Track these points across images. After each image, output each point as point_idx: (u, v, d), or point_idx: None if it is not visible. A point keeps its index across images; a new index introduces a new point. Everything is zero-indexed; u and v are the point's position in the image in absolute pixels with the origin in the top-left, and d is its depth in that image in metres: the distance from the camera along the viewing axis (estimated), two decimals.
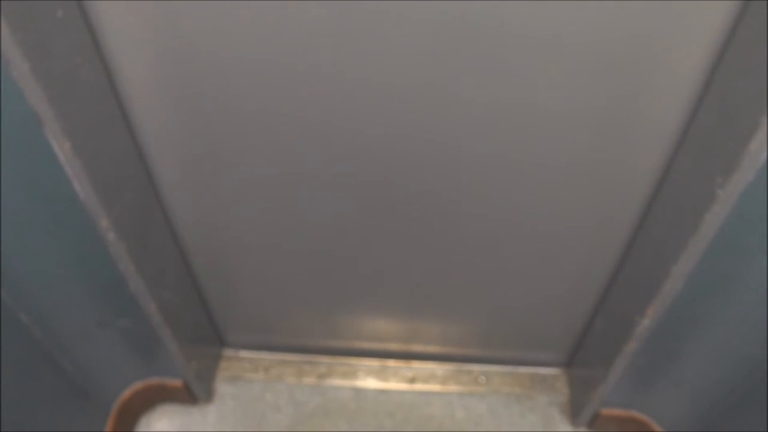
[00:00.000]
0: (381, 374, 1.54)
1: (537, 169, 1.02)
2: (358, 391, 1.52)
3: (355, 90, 0.91)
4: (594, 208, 1.08)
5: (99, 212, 0.91)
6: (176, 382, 1.43)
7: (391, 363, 1.56)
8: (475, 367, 1.56)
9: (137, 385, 1.43)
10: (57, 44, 0.76)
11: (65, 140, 0.79)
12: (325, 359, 1.56)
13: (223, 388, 1.52)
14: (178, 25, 0.84)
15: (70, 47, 0.79)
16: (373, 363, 1.56)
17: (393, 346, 1.54)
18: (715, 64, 0.82)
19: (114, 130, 0.93)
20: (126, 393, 1.43)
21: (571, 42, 0.82)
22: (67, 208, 0.94)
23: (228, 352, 1.58)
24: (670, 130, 0.92)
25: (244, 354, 1.58)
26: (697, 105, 0.87)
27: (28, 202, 0.94)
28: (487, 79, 0.88)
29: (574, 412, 1.47)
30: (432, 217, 1.14)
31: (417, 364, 1.56)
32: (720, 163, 0.80)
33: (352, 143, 1.00)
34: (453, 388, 1.53)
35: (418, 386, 1.53)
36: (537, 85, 0.89)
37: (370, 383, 1.53)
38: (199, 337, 1.42)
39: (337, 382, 1.53)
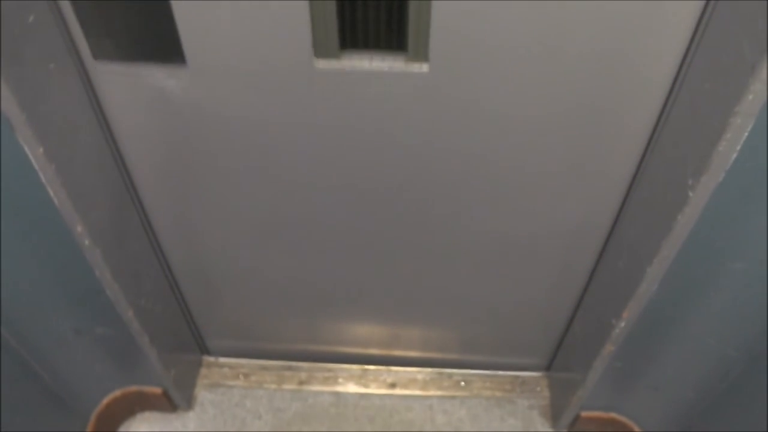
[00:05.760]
0: (361, 379, 1.54)
1: (512, 174, 1.02)
2: (339, 396, 1.52)
3: (337, 95, 0.92)
4: (568, 212, 1.08)
5: (74, 218, 0.91)
6: (155, 390, 1.42)
7: (372, 368, 1.56)
8: (456, 372, 1.56)
9: (116, 393, 1.43)
10: (29, 49, 0.76)
11: (38, 145, 0.79)
12: (305, 365, 1.56)
13: (203, 395, 1.52)
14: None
15: (43, 52, 0.79)
16: (354, 368, 1.56)
17: (373, 352, 1.53)
18: (683, 67, 0.83)
19: (89, 134, 0.92)
20: (105, 401, 1.42)
21: (543, 46, 0.83)
22: (42, 214, 0.94)
23: (208, 359, 1.57)
24: (641, 132, 0.93)
25: (225, 361, 1.57)
26: (667, 108, 0.88)
27: (1, 208, 0.93)
28: (466, 84, 0.89)
29: (554, 415, 1.48)
30: (412, 224, 1.14)
31: (397, 369, 1.56)
32: (691, 165, 0.80)
33: (334, 150, 1.00)
34: (433, 392, 1.53)
35: (399, 391, 1.53)
36: (510, 92, 0.89)
37: (351, 388, 1.53)
38: (179, 344, 1.42)
39: (317, 387, 1.53)
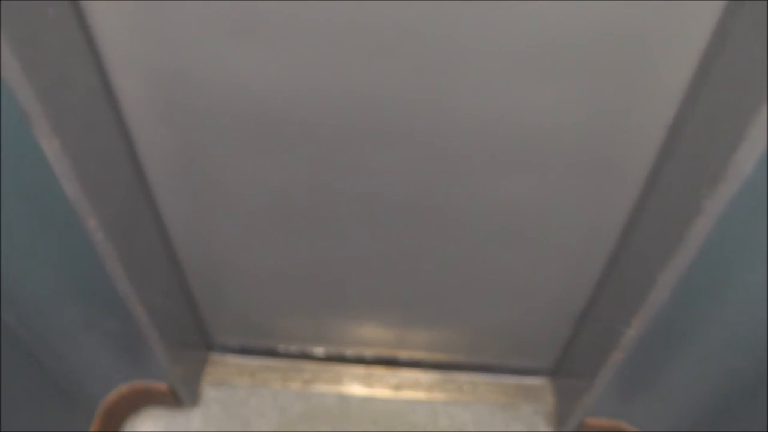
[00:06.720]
0: (366, 381, 1.54)
1: (524, 178, 1.02)
2: (343, 398, 1.52)
3: (344, 96, 0.92)
4: (580, 216, 1.08)
5: (87, 212, 0.91)
6: (162, 386, 1.42)
7: (377, 370, 1.56)
8: (461, 376, 1.56)
9: (122, 388, 1.43)
10: (48, 43, 0.76)
11: (54, 138, 0.79)
12: (310, 365, 1.56)
13: (208, 392, 1.52)
14: (174, 26, 0.84)
15: (62, 46, 0.79)
16: (359, 370, 1.56)
17: (379, 353, 1.54)
18: (701, 75, 0.82)
19: (105, 129, 0.93)
20: (111, 395, 1.42)
21: (554, 48, 0.83)
22: (55, 208, 0.94)
23: (214, 357, 1.57)
24: (656, 140, 0.93)
25: (231, 359, 1.57)
26: (683, 114, 0.88)
27: (15, 200, 0.93)
28: (473, 89, 0.89)
29: (559, 421, 1.47)
30: (420, 227, 1.14)
31: (403, 372, 1.56)
32: (706, 174, 0.80)
33: (344, 151, 1.00)
34: (438, 396, 1.53)
35: (403, 394, 1.52)
36: (524, 96, 0.89)
37: (356, 390, 1.53)
38: (186, 340, 1.42)
39: (322, 388, 1.53)
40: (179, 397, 1.45)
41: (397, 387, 1.53)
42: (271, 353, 1.56)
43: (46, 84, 0.76)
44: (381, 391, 1.53)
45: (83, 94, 0.85)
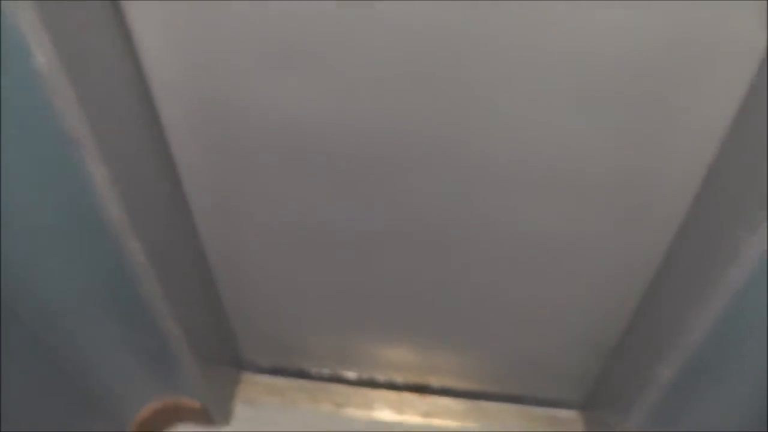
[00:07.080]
0: (397, 406, 1.54)
1: (560, 211, 1.03)
2: (373, 422, 1.52)
3: (385, 129, 0.93)
4: (616, 250, 1.08)
5: (129, 234, 0.93)
6: (194, 403, 1.44)
7: (408, 396, 1.56)
8: (491, 405, 1.55)
9: (154, 405, 1.44)
10: (99, 71, 0.79)
11: (102, 165, 0.81)
12: (341, 388, 1.56)
13: (239, 411, 1.53)
14: (220, 56, 0.86)
15: (112, 74, 0.82)
16: (390, 395, 1.56)
17: (410, 380, 1.54)
18: (741, 115, 0.82)
19: (149, 155, 0.95)
20: (143, 412, 1.43)
21: (589, 95, 0.84)
22: (98, 228, 0.96)
23: (246, 376, 1.59)
24: (696, 179, 0.93)
25: (263, 379, 1.58)
26: (724, 155, 0.87)
27: (59, 220, 0.95)
28: (498, 131, 0.91)
29: None
30: (455, 255, 1.15)
31: (433, 399, 1.56)
32: (745, 218, 0.80)
33: (383, 180, 1.02)
34: (467, 424, 1.52)
35: (433, 421, 1.52)
36: (563, 128, 0.90)
37: (386, 415, 1.53)
38: (219, 359, 1.43)
39: (352, 411, 1.53)
40: (210, 415, 1.46)
41: (427, 414, 1.53)
42: (303, 375, 1.57)
43: (97, 112, 0.78)
44: (411, 418, 1.53)
45: (131, 121, 0.88)
